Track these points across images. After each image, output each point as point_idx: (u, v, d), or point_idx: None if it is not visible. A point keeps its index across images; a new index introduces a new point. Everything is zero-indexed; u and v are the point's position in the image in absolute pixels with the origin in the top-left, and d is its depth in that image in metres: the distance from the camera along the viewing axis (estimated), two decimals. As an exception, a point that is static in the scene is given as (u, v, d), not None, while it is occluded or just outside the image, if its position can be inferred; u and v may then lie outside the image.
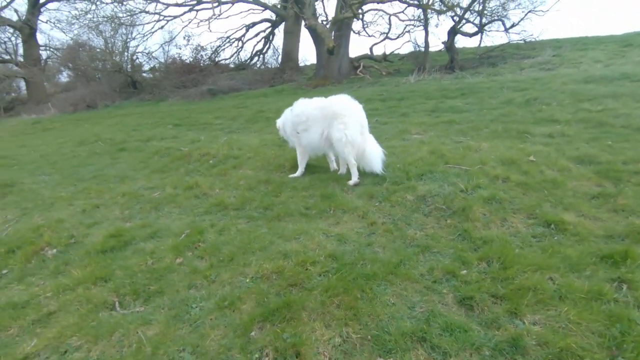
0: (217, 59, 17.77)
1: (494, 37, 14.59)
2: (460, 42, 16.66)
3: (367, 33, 18.26)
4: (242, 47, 18.49)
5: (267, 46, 18.82)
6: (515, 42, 14.18)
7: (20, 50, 19.95)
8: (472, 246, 2.65)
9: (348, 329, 1.93)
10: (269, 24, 18.35)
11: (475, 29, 13.99)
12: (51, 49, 21.21)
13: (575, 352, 1.65)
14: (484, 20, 13.69)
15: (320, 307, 2.10)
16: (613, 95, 6.53)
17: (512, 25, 13.63)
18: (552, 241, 2.61)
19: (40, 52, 20.21)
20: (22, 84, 19.96)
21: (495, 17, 13.68)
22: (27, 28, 18.45)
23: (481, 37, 14.40)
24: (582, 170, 3.60)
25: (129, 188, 4.65)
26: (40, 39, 20.44)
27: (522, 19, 13.49)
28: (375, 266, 2.45)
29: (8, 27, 19.13)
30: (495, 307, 2.01)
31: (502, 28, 13.82)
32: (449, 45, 13.55)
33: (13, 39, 20.05)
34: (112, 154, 6.59)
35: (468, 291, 2.14)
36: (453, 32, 13.51)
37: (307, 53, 27.93)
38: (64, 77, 22.12)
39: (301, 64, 17.99)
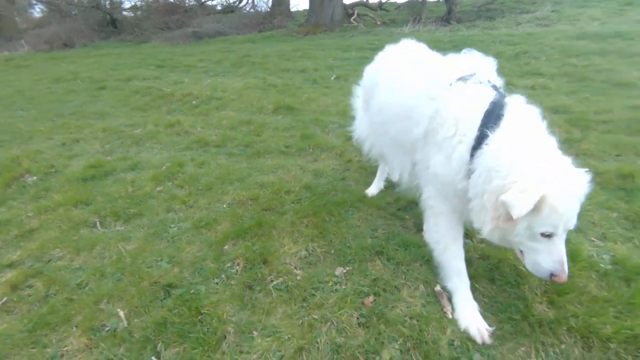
0: (202, 0, 16.68)
1: (494, -12, 13.94)
2: (460, -7, 15.88)
3: (363, -22, 17.19)
4: (229, -12, 17.32)
5: (256, -12, 17.65)
6: (515, -6, 13.62)
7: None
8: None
9: (314, 244, 2.09)
10: (259, -37, 17.07)
11: (476, -21, 13.31)
12: (20, -20, 19.43)
13: (510, 262, 1.85)
14: (485, -31, 12.99)
15: (290, 227, 2.24)
16: (601, 52, 6.51)
17: (514, -24, 12.98)
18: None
19: (9, -18, 18.52)
20: (-9, 18, 18.50)
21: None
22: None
23: (481, -12, 13.76)
24: (555, 118, 3.71)
25: (109, 124, 4.60)
26: (8, -33, 18.63)
27: (524, -30, 12.83)
28: (345, 195, 2.58)
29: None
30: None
31: (503, -21, 13.17)
32: (447, -5, 12.92)
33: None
34: (90, 92, 6.40)
35: (428, 217, 2.31)
36: (452, -20, 12.83)
37: (300, -1, 26.34)
38: (37, 11, 20.55)
39: (292, 9, 17.05)
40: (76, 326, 1.68)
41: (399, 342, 1.50)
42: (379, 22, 13.22)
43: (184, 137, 4.09)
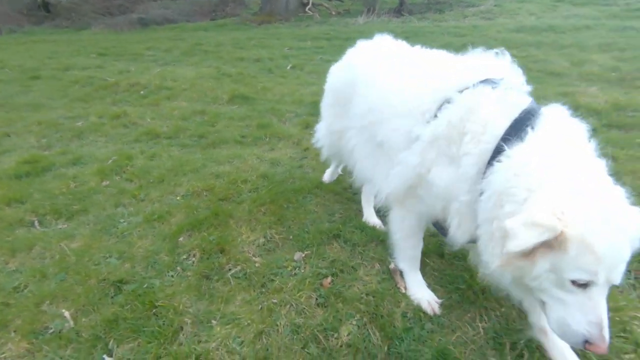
0: (148, -16, 15.63)
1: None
2: (411, -15, 16.31)
3: (317, -33, 17.06)
4: (177, -28, 16.39)
5: (207, -27, 16.88)
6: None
7: None
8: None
9: (272, 231, 2.09)
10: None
11: (425, -28, 13.75)
12: None
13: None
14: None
15: (248, 215, 2.22)
16: (537, 44, 7.05)
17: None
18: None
19: None
20: None
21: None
22: None
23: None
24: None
25: (46, 117, 4.22)
26: None
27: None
28: (303, 182, 2.60)
29: None
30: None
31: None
32: (399, -13, 13.22)
33: None
34: (22, 82, 5.80)
35: (383, 200, 2.39)
36: (403, -27, 13.14)
37: (254, -13, 25.61)
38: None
39: (246, -2, 16.55)
40: (15, 331, 1.55)
41: (356, 318, 1.55)
42: (333, 12, 13.25)
43: (132, 129, 3.87)
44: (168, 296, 1.68)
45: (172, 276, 1.83)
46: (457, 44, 7.18)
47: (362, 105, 1.74)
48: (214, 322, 1.57)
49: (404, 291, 1.72)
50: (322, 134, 2.30)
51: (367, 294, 1.66)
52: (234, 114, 4.13)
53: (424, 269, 1.79)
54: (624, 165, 2.65)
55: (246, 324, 1.55)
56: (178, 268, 1.87)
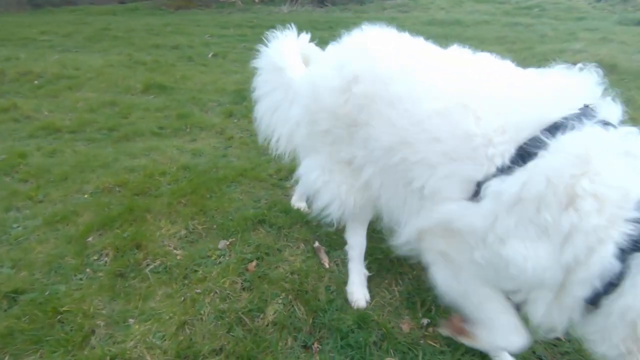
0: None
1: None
2: (333, -24, 16.58)
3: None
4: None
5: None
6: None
7: None
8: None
9: (194, 222, 2.03)
10: None
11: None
12: None
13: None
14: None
15: (167, 208, 2.12)
16: (446, 36, 7.70)
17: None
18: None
19: None
20: None
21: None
22: None
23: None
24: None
25: None
26: None
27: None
28: (227, 171, 2.54)
29: None
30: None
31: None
32: (321, -23, 13.36)
33: None
34: None
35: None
36: (325, -37, 13.30)
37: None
38: None
39: (160, -20, 15.27)
40: None
41: (281, 297, 1.59)
42: (257, 0, 12.93)
43: (25, 124, 3.38)
44: (76, 300, 1.54)
45: (81, 279, 1.67)
46: (377, 35, 7.58)
47: (388, 133, 1.20)
48: (131, 320, 1.49)
49: (327, 267, 1.80)
50: (317, 174, 1.50)
51: (292, 273, 1.71)
52: (150, 105, 3.84)
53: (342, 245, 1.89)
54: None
55: (167, 317, 1.49)
56: (87, 270, 1.72)
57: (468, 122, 1.03)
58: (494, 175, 0.97)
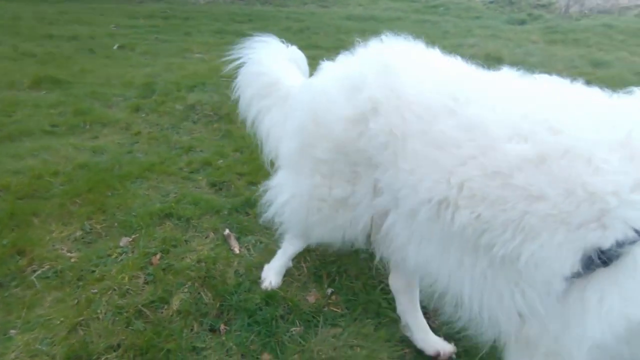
0: None
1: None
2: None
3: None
4: None
5: None
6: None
7: None
8: (232, 142, 2.96)
9: (91, 222, 1.89)
10: None
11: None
12: None
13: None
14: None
15: (59, 210, 1.94)
16: (362, 31, 8.10)
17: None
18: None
19: None
20: None
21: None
22: None
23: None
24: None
25: None
26: None
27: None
28: (132, 167, 2.41)
29: None
30: (239, 182, 2.38)
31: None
32: (240, -32, 13.03)
33: None
34: None
35: (220, 175, 2.43)
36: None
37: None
38: None
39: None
40: None
41: (187, 286, 1.58)
42: (171, -10, 12.15)
43: None
44: (-59, 319, 1.35)
45: (-55, 298, 1.47)
46: (296, 29, 7.65)
47: (437, 181, 0.88)
48: (12, 332, 1.35)
49: (237, 252, 1.82)
50: (288, 196, 1.29)
51: (198, 262, 1.70)
52: (41, 101, 3.43)
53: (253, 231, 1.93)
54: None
55: (58, 322, 1.39)
56: (-46, 286, 1.51)
57: (587, 175, 0.73)
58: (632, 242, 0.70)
